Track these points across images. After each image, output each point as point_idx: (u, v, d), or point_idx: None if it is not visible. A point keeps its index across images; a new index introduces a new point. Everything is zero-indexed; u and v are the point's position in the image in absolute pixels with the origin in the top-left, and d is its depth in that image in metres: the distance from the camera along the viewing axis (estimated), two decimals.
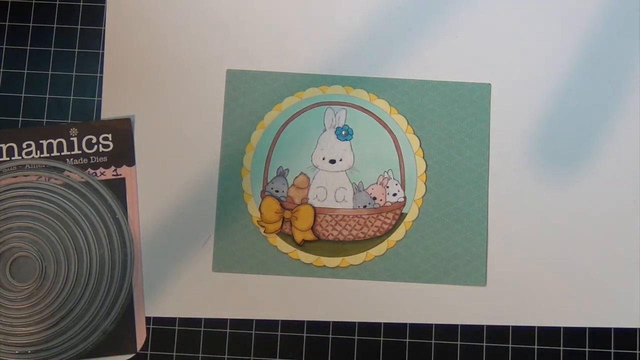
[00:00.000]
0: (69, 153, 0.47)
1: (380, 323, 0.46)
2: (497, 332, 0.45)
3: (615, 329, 0.45)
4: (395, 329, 0.46)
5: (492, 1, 0.48)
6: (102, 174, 0.47)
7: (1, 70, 0.48)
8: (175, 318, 0.46)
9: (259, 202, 0.47)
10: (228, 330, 0.46)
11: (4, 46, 0.49)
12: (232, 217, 0.47)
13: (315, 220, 0.46)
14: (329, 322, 0.46)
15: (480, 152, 0.47)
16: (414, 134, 0.47)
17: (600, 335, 0.45)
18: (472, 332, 0.45)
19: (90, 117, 0.48)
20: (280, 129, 0.47)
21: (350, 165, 0.47)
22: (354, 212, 0.46)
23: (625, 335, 0.45)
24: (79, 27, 0.49)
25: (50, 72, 0.48)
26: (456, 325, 0.46)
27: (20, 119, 0.48)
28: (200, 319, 0.46)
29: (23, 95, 0.48)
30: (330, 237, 0.46)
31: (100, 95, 0.48)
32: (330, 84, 0.48)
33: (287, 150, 0.47)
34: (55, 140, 0.47)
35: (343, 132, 0.47)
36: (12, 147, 0.47)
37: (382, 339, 0.46)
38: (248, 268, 0.46)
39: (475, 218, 0.46)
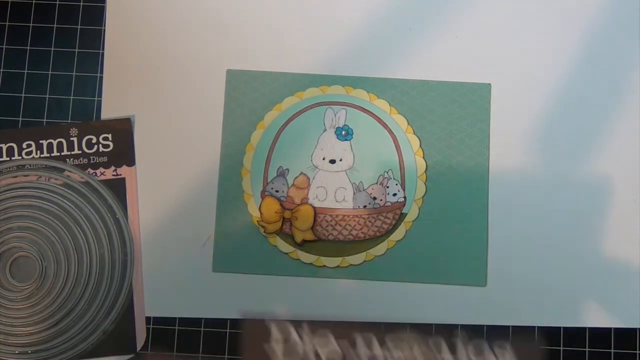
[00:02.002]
0: (69, 153, 0.47)
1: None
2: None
3: (615, 329, 0.45)
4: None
5: (492, 1, 0.48)
6: (102, 174, 0.47)
7: (1, 70, 0.48)
8: (175, 318, 0.46)
9: (259, 202, 0.47)
10: (228, 330, 0.46)
11: (4, 46, 0.49)
12: (232, 217, 0.47)
13: (315, 220, 0.46)
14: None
15: (480, 152, 0.47)
16: (414, 134, 0.47)
17: (600, 335, 0.45)
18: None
19: (90, 117, 0.48)
20: (280, 129, 0.47)
21: (350, 165, 0.47)
22: (354, 212, 0.46)
23: (625, 335, 0.45)
24: (79, 27, 0.49)
25: (50, 72, 0.48)
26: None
27: (20, 119, 0.48)
28: (200, 319, 0.46)
29: (23, 95, 0.48)
30: (330, 237, 0.46)
31: (100, 95, 0.48)
32: (330, 84, 0.48)
33: (287, 150, 0.47)
34: (55, 140, 0.47)
35: (343, 132, 0.47)
36: (12, 147, 0.47)
37: None
38: (248, 268, 0.46)
39: (475, 218, 0.46)
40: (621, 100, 0.47)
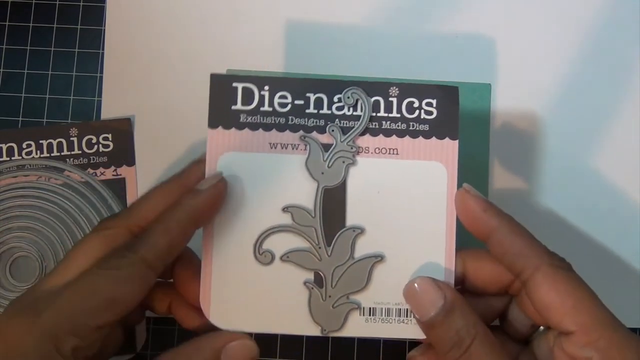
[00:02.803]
0: (69, 153, 0.47)
1: None
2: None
3: None
4: None
5: (492, 1, 0.48)
6: (102, 174, 0.47)
7: (1, 70, 0.48)
8: None
9: None
10: None
11: (4, 46, 0.49)
12: None
13: None
14: None
15: (480, 152, 0.47)
16: None
17: None
18: None
19: (90, 117, 0.48)
20: None
21: None
22: None
23: None
24: (79, 27, 0.49)
25: (50, 72, 0.48)
26: None
27: (20, 119, 0.48)
28: None
29: (23, 95, 0.48)
30: None
31: (100, 95, 0.48)
32: None
33: None
34: (55, 140, 0.47)
35: None
36: (12, 147, 0.47)
37: (382, 338, 0.46)
38: None
39: None
40: (621, 101, 0.47)
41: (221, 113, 0.36)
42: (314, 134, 0.35)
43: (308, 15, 0.48)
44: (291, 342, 0.46)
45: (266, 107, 0.35)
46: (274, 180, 0.35)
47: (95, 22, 0.49)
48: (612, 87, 0.47)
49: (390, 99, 0.36)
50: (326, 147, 0.35)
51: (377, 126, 0.35)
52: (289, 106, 0.35)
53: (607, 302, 0.45)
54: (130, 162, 0.47)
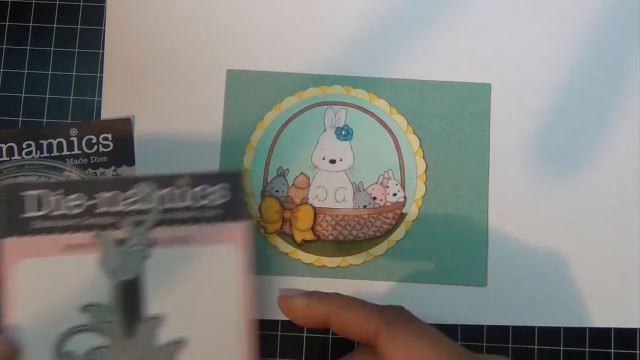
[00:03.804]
0: (69, 153, 0.47)
1: None
2: (497, 332, 0.45)
3: (615, 329, 0.45)
4: None
5: (492, 1, 0.48)
6: (102, 174, 0.47)
7: (1, 70, 0.48)
8: None
9: (259, 202, 0.47)
10: None
11: (4, 46, 0.49)
12: None
13: (315, 220, 0.46)
14: None
15: (480, 152, 0.47)
16: (414, 134, 0.47)
17: (600, 335, 0.45)
18: (472, 332, 0.45)
19: (90, 117, 0.48)
20: (280, 129, 0.47)
21: (350, 165, 0.47)
22: (354, 212, 0.46)
23: (625, 335, 0.45)
24: (79, 27, 0.49)
25: (50, 72, 0.48)
26: (456, 326, 0.46)
27: (20, 119, 0.48)
28: None
29: (23, 95, 0.48)
30: (330, 237, 0.46)
31: (100, 95, 0.48)
32: (330, 84, 0.48)
33: (287, 150, 0.47)
34: (55, 140, 0.47)
35: (343, 132, 0.47)
36: (12, 147, 0.47)
37: None
38: None
39: (475, 218, 0.46)
40: (621, 101, 0.47)
41: (14, 222, 0.37)
42: (109, 230, 0.37)
43: (308, 15, 0.48)
44: (291, 342, 0.46)
45: (61, 211, 0.37)
46: (71, 281, 0.37)
47: (95, 22, 0.49)
48: (612, 87, 0.47)
49: (178, 190, 0.38)
50: (121, 243, 0.37)
51: (170, 217, 0.38)
52: (83, 207, 0.37)
53: (607, 302, 0.45)
54: (130, 162, 0.47)
